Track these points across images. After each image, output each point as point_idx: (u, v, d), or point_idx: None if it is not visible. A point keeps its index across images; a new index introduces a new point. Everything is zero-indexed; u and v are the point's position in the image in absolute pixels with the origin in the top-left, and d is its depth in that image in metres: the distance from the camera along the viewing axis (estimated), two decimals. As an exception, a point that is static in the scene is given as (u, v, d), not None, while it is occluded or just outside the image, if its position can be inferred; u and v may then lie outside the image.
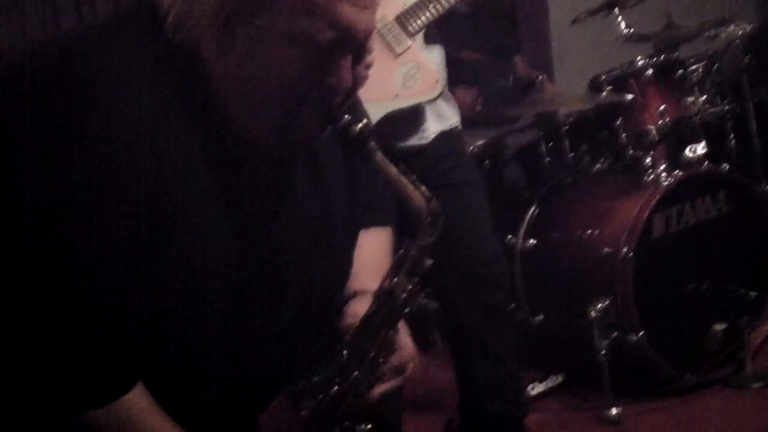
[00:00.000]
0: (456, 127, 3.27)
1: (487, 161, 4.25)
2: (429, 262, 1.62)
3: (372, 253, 1.76)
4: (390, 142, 2.94)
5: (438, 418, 3.69)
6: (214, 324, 1.46)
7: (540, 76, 4.64)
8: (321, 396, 1.60)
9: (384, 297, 1.61)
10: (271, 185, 1.52)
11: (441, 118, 3.20)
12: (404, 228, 1.68)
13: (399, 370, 1.67)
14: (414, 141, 3.11)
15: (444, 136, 3.20)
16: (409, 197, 1.57)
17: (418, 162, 3.03)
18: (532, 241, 4.14)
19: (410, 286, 1.61)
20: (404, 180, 1.56)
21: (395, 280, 1.61)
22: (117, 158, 1.33)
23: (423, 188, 1.57)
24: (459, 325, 3.25)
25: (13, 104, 1.35)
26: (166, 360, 1.46)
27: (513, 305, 3.73)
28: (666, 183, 3.89)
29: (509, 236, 4.14)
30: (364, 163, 1.58)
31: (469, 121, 3.88)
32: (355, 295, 1.71)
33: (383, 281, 1.62)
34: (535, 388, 4.01)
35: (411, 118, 3.09)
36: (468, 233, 3.17)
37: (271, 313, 1.54)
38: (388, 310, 1.61)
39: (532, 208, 4.22)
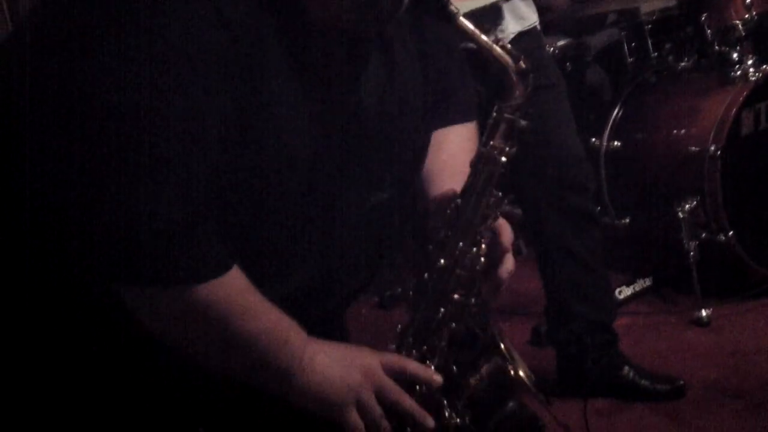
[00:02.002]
0: (535, 26, 3.21)
1: (568, 63, 4.18)
2: (524, 122, 1.57)
3: (453, 151, 1.73)
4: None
5: (525, 324, 3.69)
6: (298, 206, 1.45)
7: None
8: (428, 273, 1.57)
9: (482, 163, 1.57)
10: (347, 69, 1.49)
11: (519, 19, 3.14)
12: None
13: (509, 248, 1.63)
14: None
15: (523, 37, 3.14)
16: (496, 57, 1.54)
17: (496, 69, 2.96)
18: (616, 143, 4.08)
19: (507, 149, 1.57)
20: (488, 40, 1.53)
21: (491, 143, 1.57)
22: (194, 33, 1.32)
23: (508, 46, 1.54)
24: (544, 231, 3.22)
25: None
26: (255, 243, 1.45)
27: (598, 209, 3.68)
28: (754, 78, 3.80)
29: (593, 139, 4.08)
30: (438, 42, 1.52)
31: (549, 22, 3.82)
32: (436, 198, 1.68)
33: (480, 147, 1.58)
34: (623, 292, 3.98)
35: (488, 17, 3.03)
36: (551, 136, 3.12)
37: (353, 196, 1.52)
38: (487, 176, 1.57)
39: (616, 110, 4.14)
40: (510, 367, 1.61)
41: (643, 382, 3.22)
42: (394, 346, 1.57)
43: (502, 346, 1.62)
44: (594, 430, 3.04)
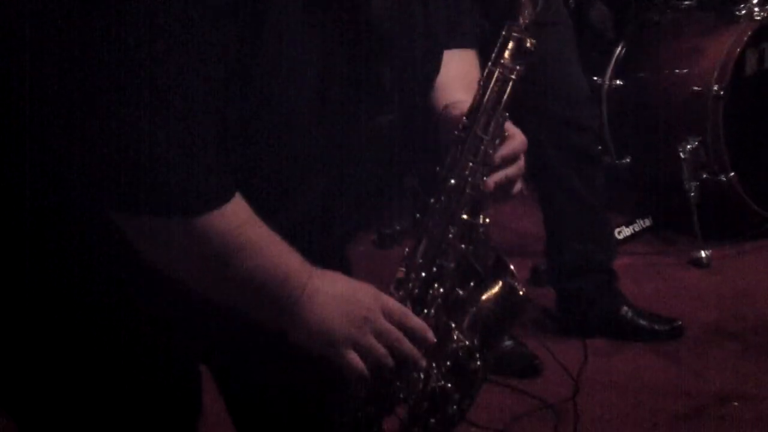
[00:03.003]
0: (541, -38, 3.17)
1: (571, 1, 4.14)
2: (533, 42, 1.55)
3: (460, 69, 1.69)
4: None
5: (524, 263, 3.69)
6: (305, 126, 1.42)
7: None
8: (437, 194, 1.54)
9: (491, 80, 1.55)
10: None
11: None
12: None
13: (513, 158, 1.61)
14: None
15: None
16: None
17: (502, 1, 2.93)
18: (618, 81, 4.05)
19: (516, 67, 1.55)
20: None
21: (501, 61, 1.55)
22: None
23: None
24: (546, 168, 3.20)
25: None
26: (260, 168, 1.43)
27: (600, 148, 3.66)
28: (759, 17, 3.76)
29: (595, 77, 4.04)
30: None
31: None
32: (447, 107, 1.65)
33: (486, 65, 1.56)
34: (622, 232, 3.98)
35: None
36: (556, 74, 3.10)
37: (359, 116, 1.49)
38: (497, 94, 1.54)
39: (619, 48, 4.11)
40: (518, 285, 1.60)
41: (642, 321, 3.22)
42: (402, 267, 1.54)
43: (509, 265, 1.61)
44: (592, 370, 3.05)
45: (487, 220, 1.56)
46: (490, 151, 1.55)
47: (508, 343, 3.08)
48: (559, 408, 2.86)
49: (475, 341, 1.56)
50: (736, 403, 2.83)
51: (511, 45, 1.55)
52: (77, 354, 1.49)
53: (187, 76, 1.30)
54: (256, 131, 1.39)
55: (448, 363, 1.55)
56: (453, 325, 1.55)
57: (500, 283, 1.60)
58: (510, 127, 1.59)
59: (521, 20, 1.55)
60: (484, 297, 1.59)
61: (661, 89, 3.93)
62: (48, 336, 1.48)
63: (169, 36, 1.29)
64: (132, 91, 1.29)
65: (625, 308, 3.24)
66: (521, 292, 1.60)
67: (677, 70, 3.90)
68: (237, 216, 1.38)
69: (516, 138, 1.60)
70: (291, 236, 1.45)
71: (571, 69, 3.18)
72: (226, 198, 1.37)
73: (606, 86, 4.05)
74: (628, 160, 4.07)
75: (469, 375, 1.57)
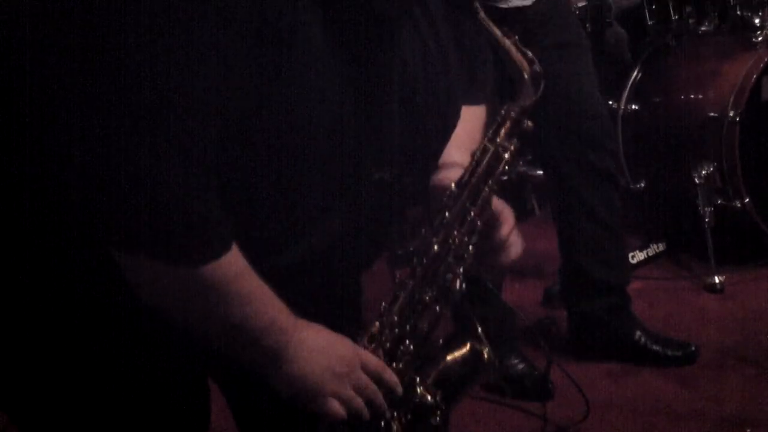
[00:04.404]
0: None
1: (588, 23, 4.14)
2: (529, 123, 1.61)
3: (464, 129, 1.73)
4: (494, 2, 2.88)
5: (538, 284, 3.69)
6: (315, 165, 1.44)
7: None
8: (420, 259, 1.59)
9: (483, 156, 1.60)
10: (377, 39, 1.48)
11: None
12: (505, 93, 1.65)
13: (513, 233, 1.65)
14: (517, 1, 3.04)
15: None
16: (511, 58, 1.57)
17: (522, 22, 2.96)
18: (634, 105, 4.06)
19: (511, 147, 1.60)
20: (507, 41, 1.58)
21: (496, 140, 1.60)
22: None
23: (525, 50, 1.58)
24: (564, 188, 3.20)
25: None
26: (269, 191, 1.44)
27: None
28: (776, 43, 3.76)
29: (611, 102, 4.05)
30: (468, 22, 1.56)
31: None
32: (444, 167, 1.69)
33: (482, 140, 1.61)
34: (636, 256, 3.97)
35: None
36: (574, 94, 3.11)
37: (372, 161, 1.51)
38: (487, 169, 1.59)
39: (635, 72, 4.12)
40: (484, 350, 1.65)
41: (655, 346, 3.21)
42: (377, 322, 1.58)
43: (479, 329, 1.65)
44: (605, 392, 3.04)
45: (464, 286, 1.60)
46: (477, 221, 1.59)
47: (520, 365, 3.08)
48: (572, 431, 2.85)
49: (437, 398, 1.61)
50: (749, 430, 2.81)
51: (508, 124, 1.61)
52: (87, 369, 1.50)
53: (192, 95, 1.30)
54: (269, 157, 1.40)
55: (409, 416, 1.60)
56: (417, 380, 1.60)
57: (468, 345, 1.65)
58: (498, 203, 1.64)
59: (521, 101, 1.60)
60: (450, 357, 1.65)
61: (677, 114, 3.93)
62: (57, 350, 1.49)
63: (176, 54, 1.29)
64: (135, 113, 1.29)
65: (639, 333, 3.23)
66: (486, 357, 1.65)
67: (693, 95, 3.90)
68: (233, 267, 1.41)
69: (508, 215, 1.66)
70: (302, 266, 1.49)
71: (589, 89, 3.19)
72: (226, 248, 1.39)
73: (622, 110, 4.05)
74: (642, 184, 4.07)
75: (428, 430, 1.62)
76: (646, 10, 4.20)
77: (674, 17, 4.14)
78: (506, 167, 1.60)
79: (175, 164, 1.30)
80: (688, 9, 4.16)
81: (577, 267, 3.24)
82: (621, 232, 3.31)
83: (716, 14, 4.11)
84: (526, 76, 1.58)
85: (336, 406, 1.49)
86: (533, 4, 3.05)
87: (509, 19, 1.57)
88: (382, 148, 1.53)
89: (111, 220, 1.34)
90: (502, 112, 1.61)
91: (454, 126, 1.69)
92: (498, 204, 1.64)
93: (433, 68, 1.59)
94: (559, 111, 3.04)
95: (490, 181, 1.59)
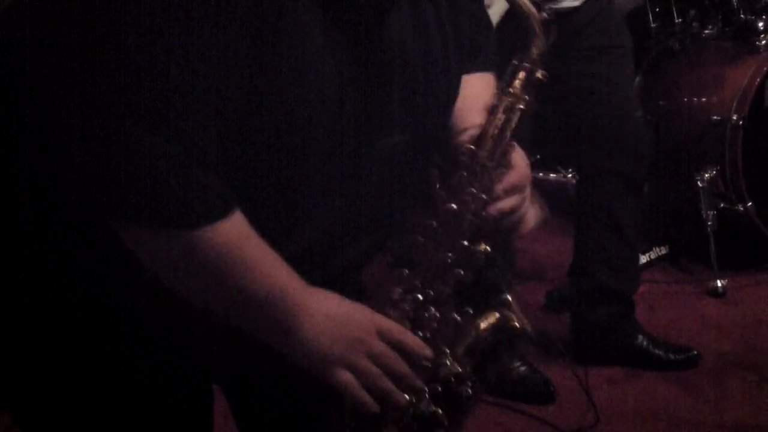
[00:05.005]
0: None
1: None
2: (543, 72, 1.57)
3: (477, 94, 1.69)
4: (544, 3, 2.89)
5: (540, 287, 3.69)
6: (321, 149, 1.42)
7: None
8: (437, 217, 1.54)
9: (497, 109, 1.57)
10: (376, 28, 1.47)
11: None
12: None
13: (514, 189, 1.61)
14: (567, 2, 3.06)
15: None
16: (519, 6, 1.55)
17: (571, 23, 3.02)
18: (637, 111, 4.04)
19: (525, 97, 1.57)
20: None
21: (510, 90, 1.57)
22: None
23: None
24: (587, 190, 3.21)
25: None
26: (271, 190, 1.42)
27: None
28: (780, 48, 3.75)
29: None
30: None
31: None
32: (459, 132, 1.64)
33: (496, 92, 1.58)
34: (639, 260, 3.96)
35: None
36: (616, 98, 3.14)
37: (368, 138, 1.49)
38: (504, 122, 1.56)
39: (638, 77, 4.10)
40: (515, 318, 1.58)
41: (657, 351, 3.21)
42: (399, 290, 1.52)
43: (509, 297, 1.59)
44: (607, 398, 3.03)
45: (488, 248, 1.55)
46: (495, 179, 1.55)
47: (522, 368, 3.08)
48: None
49: (468, 368, 1.54)
50: (751, 435, 2.82)
51: (521, 75, 1.57)
52: (90, 370, 1.49)
53: (192, 92, 1.30)
54: (269, 155, 1.39)
55: (439, 388, 1.53)
56: (447, 351, 1.53)
57: (497, 314, 1.58)
58: (516, 156, 1.59)
59: (533, 51, 1.57)
60: (480, 326, 1.57)
61: (680, 118, 3.93)
62: (60, 352, 1.49)
63: (176, 51, 1.29)
64: (135, 104, 1.29)
65: (641, 337, 3.23)
66: (517, 325, 1.58)
67: (696, 99, 3.90)
68: (235, 231, 1.37)
69: (518, 170, 1.60)
70: (301, 262, 1.44)
71: (622, 94, 3.20)
72: (224, 213, 1.36)
73: (624, 114, 4.04)
74: (645, 188, 4.06)
75: (460, 402, 1.55)
76: (650, 13, 4.20)
77: (677, 21, 4.14)
78: (521, 119, 1.56)
79: (175, 154, 1.30)
80: (692, 12, 4.16)
81: (586, 271, 3.23)
82: (636, 243, 3.31)
83: (720, 18, 4.10)
84: (535, 23, 1.55)
85: (346, 377, 1.43)
86: (582, 4, 3.08)
87: (559, 20, 1.56)
88: (377, 117, 1.49)
89: (109, 194, 1.32)
90: (515, 62, 1.58)
91: (455, 92, 1.66)
92: (515, 156, 1.59)
93: (431, 55, 1.56)
94: (590, 112, 3.06)
95: (507, 135, 1.56)
